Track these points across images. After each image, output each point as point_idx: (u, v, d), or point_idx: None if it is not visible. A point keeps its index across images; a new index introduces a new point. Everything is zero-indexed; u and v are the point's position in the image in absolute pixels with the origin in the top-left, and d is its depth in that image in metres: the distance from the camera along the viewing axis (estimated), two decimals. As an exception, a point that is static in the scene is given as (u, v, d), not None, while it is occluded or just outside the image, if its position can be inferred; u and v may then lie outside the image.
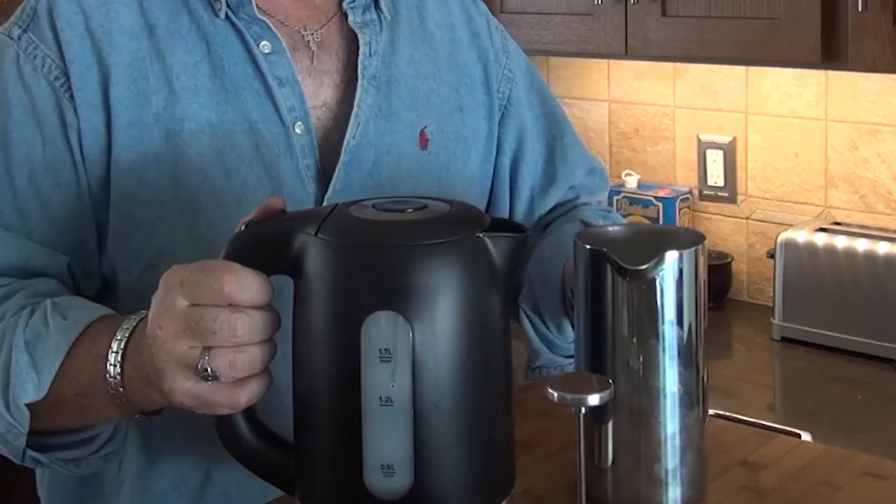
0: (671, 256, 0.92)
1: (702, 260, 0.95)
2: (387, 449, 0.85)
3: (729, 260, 2.53)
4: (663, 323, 0.93)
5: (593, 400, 0.87)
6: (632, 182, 2.64)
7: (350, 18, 1.20)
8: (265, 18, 1.16)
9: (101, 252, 1.16)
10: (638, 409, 0.94)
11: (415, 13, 1.27)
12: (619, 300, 0.94)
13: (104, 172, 1.13)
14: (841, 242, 2.21)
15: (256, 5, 1.16)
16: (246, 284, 0.88)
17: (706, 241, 0.96)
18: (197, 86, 1.14)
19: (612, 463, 0.96)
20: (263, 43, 1.16)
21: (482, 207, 1.31)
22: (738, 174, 2.53)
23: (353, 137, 1.17)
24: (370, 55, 1.20)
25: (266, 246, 0.90)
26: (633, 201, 2.61)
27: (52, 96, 1.13)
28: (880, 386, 2.06)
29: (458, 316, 0.86)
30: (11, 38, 1.15)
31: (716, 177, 2.55)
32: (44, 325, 1.05)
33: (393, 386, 0.85)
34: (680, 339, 0.94)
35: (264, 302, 0.89)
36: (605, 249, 0.93)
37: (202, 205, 1.13)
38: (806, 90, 2.40)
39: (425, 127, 1.23)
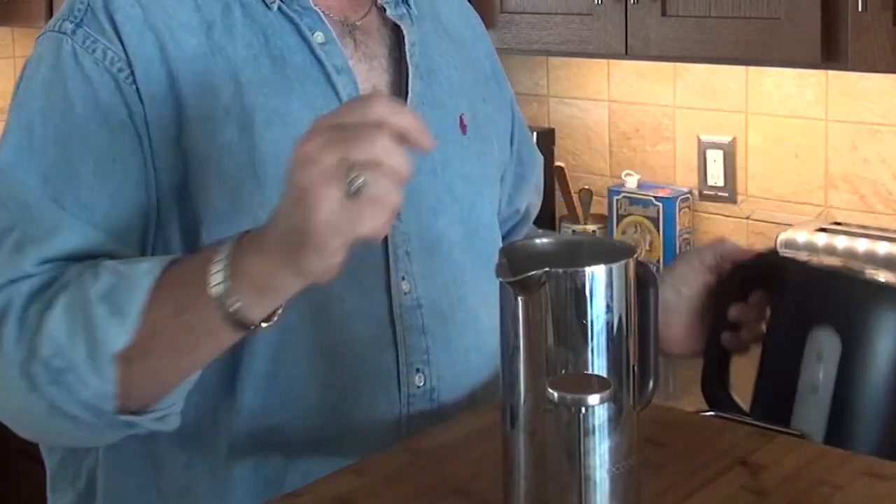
0: (553, 272, 0.89)
1: (616, 277, 0.91)
2: (804, 426, 1.12)
3: (729, 260, 2.52)
4: (546, 341, 0.91)
5: (593, 400, 0.87)
6: (632, 182, 2.63)
7: (388, 11, 1.25)
8: (317, 9, 1.20)
9: (153, 245, 1.16)
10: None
11: (431, 10, 1.33)
12: (507, 312, 0.93)
13: (173, 164, 1.13)
14: (841, 242, 2.21)
15: None
16: None
17: (623, 262, 0.92)
18: (261, 78, 1.16)
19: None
20: (317, 33, 1.19)
21: (498, 196, 1.38)
22: (738, 174, 2.52)
23: None
24: (412, 45, 1.26)
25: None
26: (633, 201, 2.61)
27: (116, 88, 1.13)
28: (880, 386, 2.05)
29: (879, 344, 1.12)
30: (64, 34, 1.15)
31: (716, 177, 2.55)
32: (115, 277, 1.05)
33: (817, 382, 1.13)
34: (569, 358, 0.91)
35: None
36: (504, 259, 0.92)
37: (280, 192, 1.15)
38: (806, 90, 2.40)
39: (462, 113, 1.29)
